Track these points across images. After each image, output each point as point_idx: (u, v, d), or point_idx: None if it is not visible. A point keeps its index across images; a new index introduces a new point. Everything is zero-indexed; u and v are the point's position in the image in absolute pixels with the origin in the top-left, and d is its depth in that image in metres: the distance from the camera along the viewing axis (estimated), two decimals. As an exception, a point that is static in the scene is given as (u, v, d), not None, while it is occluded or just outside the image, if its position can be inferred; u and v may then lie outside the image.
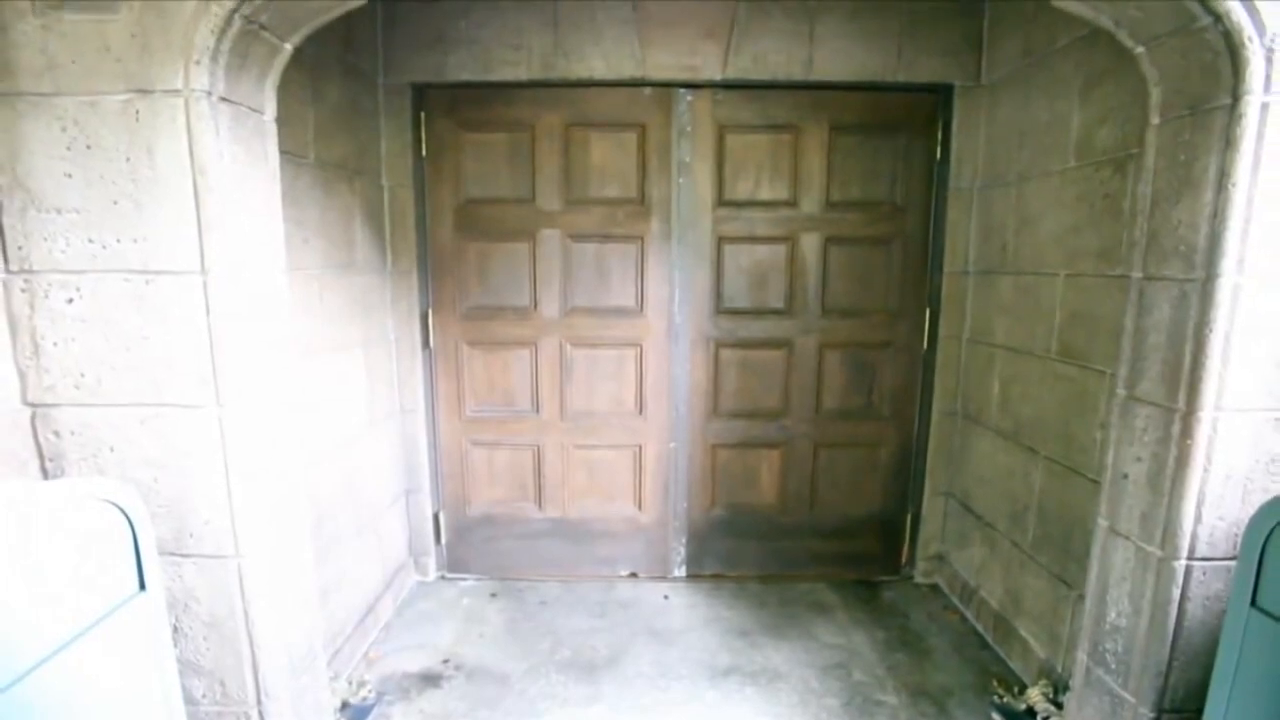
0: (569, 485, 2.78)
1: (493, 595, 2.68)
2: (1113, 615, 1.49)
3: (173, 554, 1.36)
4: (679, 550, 2.81)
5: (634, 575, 2.81)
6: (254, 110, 1.38)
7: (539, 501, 2.79)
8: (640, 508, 2.78)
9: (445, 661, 2.24)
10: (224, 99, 1.29)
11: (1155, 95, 1.37)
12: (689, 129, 2.53)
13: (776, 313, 2.65)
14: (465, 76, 2.47)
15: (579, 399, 2.71)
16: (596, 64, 2.46)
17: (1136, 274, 1.42)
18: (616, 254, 2.62)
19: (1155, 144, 1.38)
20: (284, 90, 1.48)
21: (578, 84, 2.52)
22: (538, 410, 2.71)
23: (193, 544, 1.36)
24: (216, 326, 1.30)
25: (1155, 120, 1.38)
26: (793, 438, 2.73)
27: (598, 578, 2.80)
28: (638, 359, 2.67)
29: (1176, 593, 1.33)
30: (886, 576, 2.81)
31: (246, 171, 1.36)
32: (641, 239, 2.60)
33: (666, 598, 2.68)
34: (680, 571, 2.81)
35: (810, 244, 2.60)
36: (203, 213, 1.26)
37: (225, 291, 1.31)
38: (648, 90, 2.50)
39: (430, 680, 2.13)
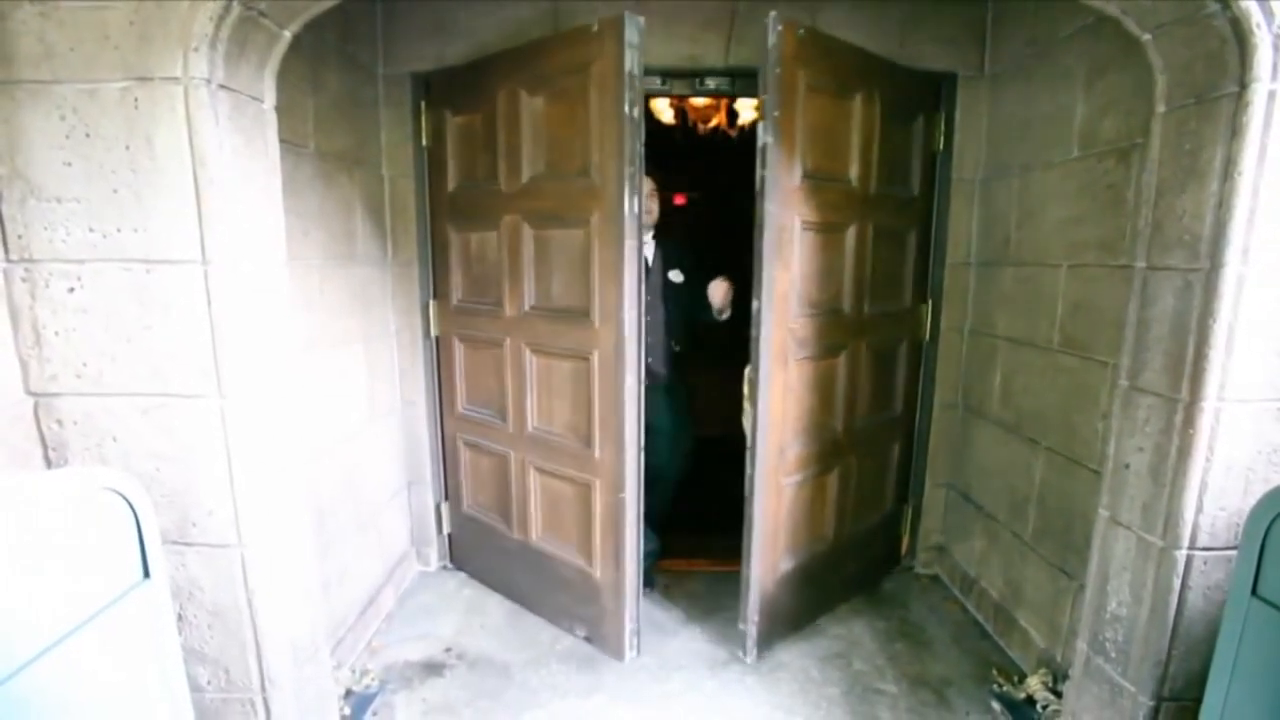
0: (531, 509, 2.41)
1: (492, 588, 2.69)
2: (1113, 605, 1.49)
3: (176, 543, 1.36)
4: (634, 630, 2.20)
5: (588, 640, 2.31)
6: (254, 98, 1.37)
7: (508, 518, 2.50)
8: (590, 562, 2.25)
9: (448, 650, 2.25)
10: (223, 87, 1.28)
11: (1161, 83, 1.36)
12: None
13: (835, 312, 2.26)
14: (453, 63, 2.45)
15: (539, 413, 2.32)
16: (597, 52, 2.45)
17: (1140, 264, 1.42)
18: (563, 243, 2.12)
19: (1160, 133, 1.37)
20: (284, 79, 1.47)
21: None
22: (504, 419, 2.42)
23: (196, 534, 1.36)
24: (218, 317, 1.30)
25: (1161, 109, 1.37)
26: (843, 459, 2.40)
27: (556, 626, 2.39)
28: (588, 376, 2.12)
29: (1177, 582, 1.34)
30: (886, 567, 2.82)
31: (246, 160, 1.36)
32: (588, 223, 2.03)
33: (667, 587, 2.69)
34: (633, 653, 2.21)
35: (856, 234, 2.25)
36: (203, 202, 1.26)
37: (226, 282, 1.30)
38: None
39: (433, 669, 2.15)
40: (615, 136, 1.91)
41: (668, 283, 2.48)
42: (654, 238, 2.48)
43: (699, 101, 4.41)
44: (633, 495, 2.10)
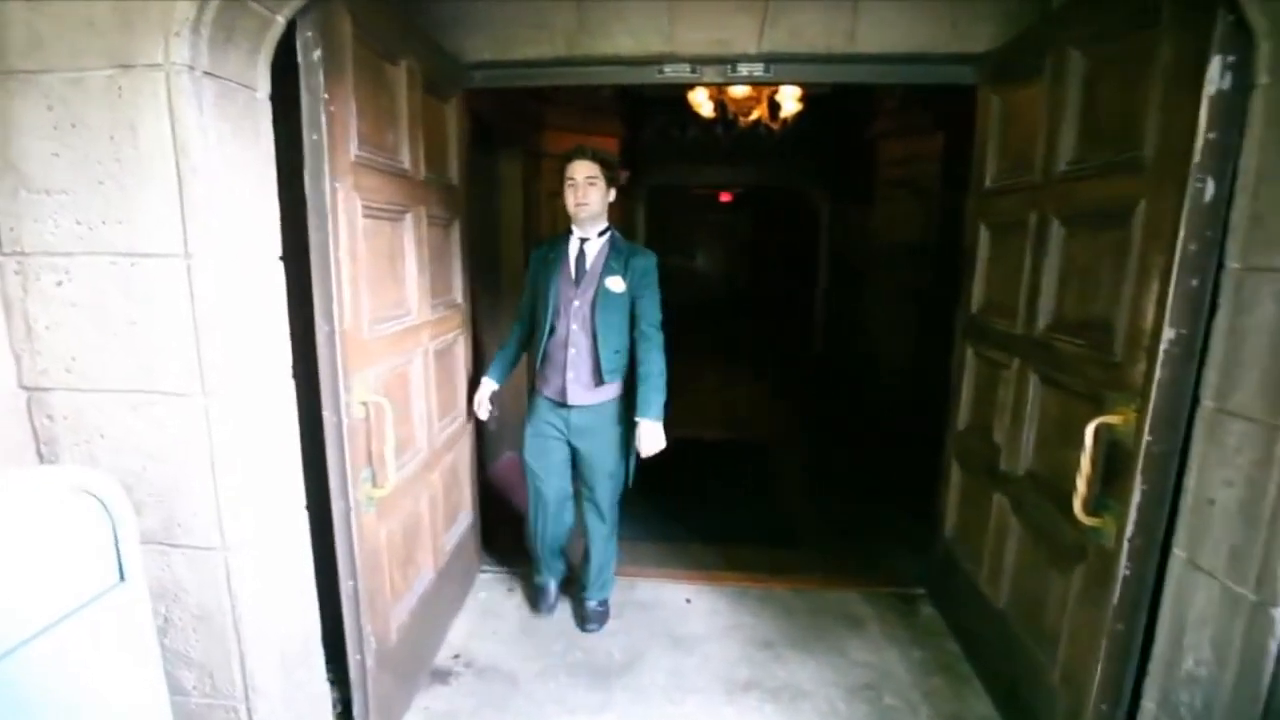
0: None
1: (509, 590, 2.63)
2: (1189, 663, 1.28)
3: (162, 544, 1.33)
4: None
5: None
6: (244, 86, 1.33)
7: None
8: None
9: (456, 657, 2.19)
10: (209, 74, 1.23)
11: (1265, 49, 1.14)
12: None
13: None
14: (486, 57, 2.39)
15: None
16: (623, 41, 2.33)
17: (1234, 264, 1.20)
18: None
19: (1262, 108, 1.15)
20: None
21: (603, 62, 2.40)
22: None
23: (181, 534, 1.33)
24: (201, 312, 1.26)
25: (1264, 80, 1.15)
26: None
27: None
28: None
29: (1274, 646, 1.12)
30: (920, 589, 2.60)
31: (236, 151, 1.31)
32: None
33: (689, 601, 2.56)
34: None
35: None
36: (185, 192, 1.21)
37: (211, 276, 1.26)
38: None
39: (439, 676, 2.09)
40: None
41: (604, 290, 2.11)
42: (600, 235, 2.16)
43: (738, 93, 4.24)
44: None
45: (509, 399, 3.58)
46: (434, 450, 2.03)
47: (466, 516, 2.51)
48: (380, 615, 1.65)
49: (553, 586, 2.47)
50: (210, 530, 1.32)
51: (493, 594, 2.59)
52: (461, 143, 2.34)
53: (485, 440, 3.78)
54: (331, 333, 1.40)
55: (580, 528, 2.38)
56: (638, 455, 2.18)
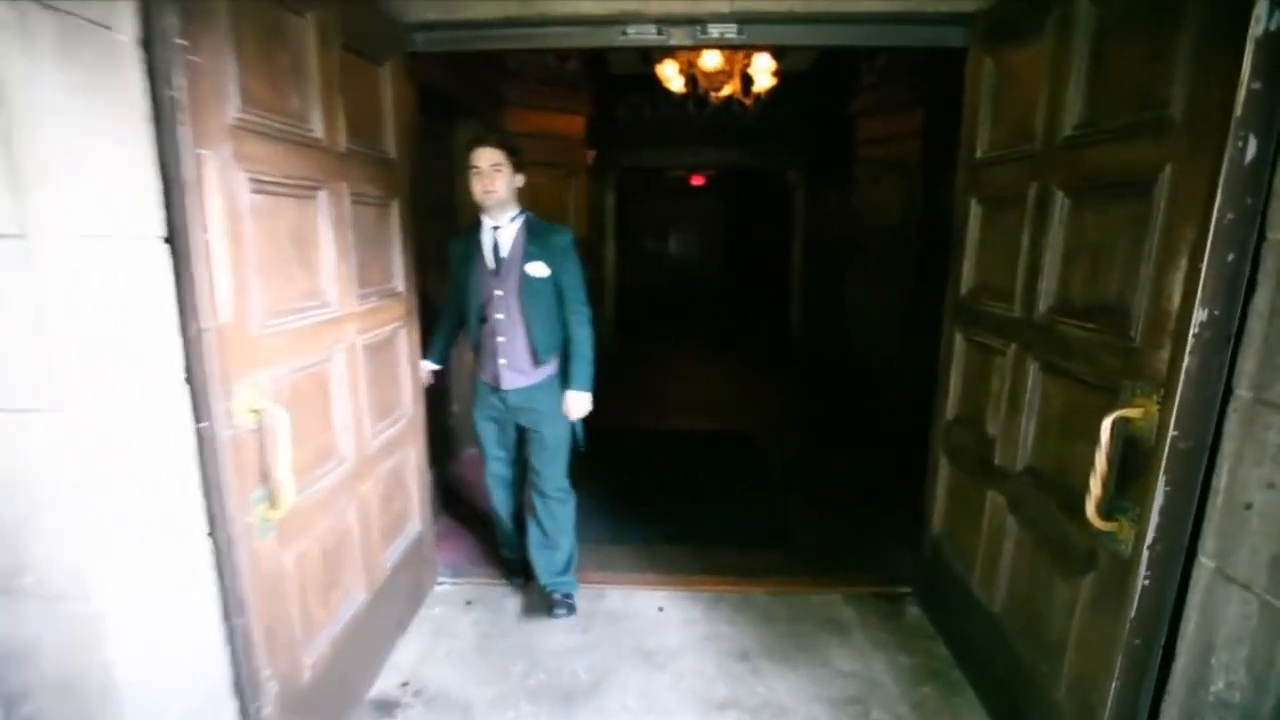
0: None
1: (468, 603, 2.42)
2: (1219, 685, 1.14)
3: (8, 593, 1.08)
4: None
5: None
6: (98, 25, 1.07)
7: None
8: None
9: (404, 685, 1.98)
10: (46, 5, 0.98)
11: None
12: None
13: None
14: (430, 17, 2.14)
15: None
16: (585, 2, 2.11)
17: (1277, 235, 1.04)
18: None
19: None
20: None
21: (561, 23, 2.18)
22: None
23: (34, 582, 1.08)
24: (50, 306, 1.01)
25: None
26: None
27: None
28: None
29: (1326, 674, 0.98)
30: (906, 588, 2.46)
31: (93, 106, 1.06)
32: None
33: (661, 609, 2.38)
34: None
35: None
36: (18, 156, 0.96)
37: (60, 261, 1.01)
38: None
39: (382, 708, 1.87)
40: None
41: (526, 277, 2.08)
42: (513, 220, 2.11)
43: (709, 65, 4.02)
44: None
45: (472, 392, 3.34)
46: (365, 458, 1.80)
47: (414, 527, 2.28)
48: (285, 653, 1.43)
49: (519, 557, 2.47)
50: (69, 576, 1.08)
51: (448, 609, 2.38)
52: (401, 113, 2.09)
53: (448, 436, 3.55)
54: (200, 330, 1.15)
55: (531, 513, 2.33)
56: (584, 421, 2.26)
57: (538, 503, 2.29)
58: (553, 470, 2.26)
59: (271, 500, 1.32)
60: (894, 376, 4.07)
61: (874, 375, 4.36)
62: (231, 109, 1.22)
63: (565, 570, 2.34)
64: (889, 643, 2.18)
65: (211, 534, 1.26)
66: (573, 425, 2.25)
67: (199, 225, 1.13)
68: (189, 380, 1.19)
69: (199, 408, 1.19)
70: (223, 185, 1.18)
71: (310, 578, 1.56)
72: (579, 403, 2.17)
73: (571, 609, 2.29)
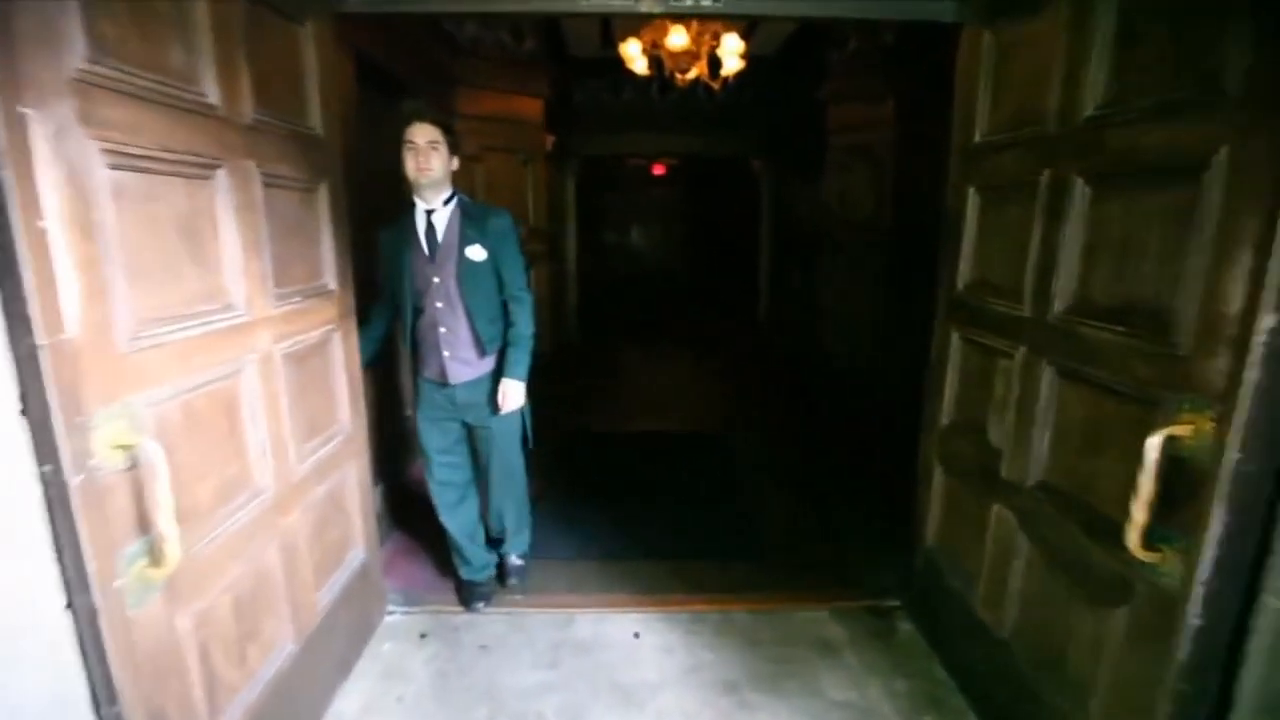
0: None
1: (422, 636, 2.17)
2: (1284, 741, 1.00)
3: None
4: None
5: None
6: None
7: None
8: None
9: (345, 745, 1.72)
10: None
11: None
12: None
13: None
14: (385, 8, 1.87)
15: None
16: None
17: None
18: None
19: None
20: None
21: (527, 15, 1.94)
22: None
23: None
24: None
25: None
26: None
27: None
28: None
29: None
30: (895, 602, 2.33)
31: None
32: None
33: (637, 636, 2.18)
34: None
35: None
36: None
37: None
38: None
39: (319, 778, 1.62)
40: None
41: (465, 261, 1.99)
42: (446, 203, 2.00)
43: (675, 45, 3.79)
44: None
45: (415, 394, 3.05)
46: (290, 486, 1.53)
47: (357, 555, 2.01)
48: (181, 735, 1.17)
49: (480, 579, 2.31)
50: None
51: (399, 644, 2.12)
52: (330, 83, 1.80)
53: (400, 444, 3.24)
54: (33, 347, 0.88)
55: (486, 506, 2.32)
56: (531, 412, 2.20)
57: (492, 494, 2.27)
58: (506, 469, 2.21)
59: (154, 556, 1.05)
60: (868, 375, 3.96)
61: (845, 374, 4.25)
62: (73, 56, 0.92)
63: (519, 530, 2.36)
64: (883, 665, 2.03)
65: (69, 606, 0.98)
66: (523, 420, 2.18)
67: (28, 209, 0.85)
68: (24, 412, 0.90)
69: (40, 447, 0.91)
70: (60, 156, 0.89)
71: (217, 637, 1.29)
72: (515, 392, 2.07)
73: (522, 576, 2.40)
